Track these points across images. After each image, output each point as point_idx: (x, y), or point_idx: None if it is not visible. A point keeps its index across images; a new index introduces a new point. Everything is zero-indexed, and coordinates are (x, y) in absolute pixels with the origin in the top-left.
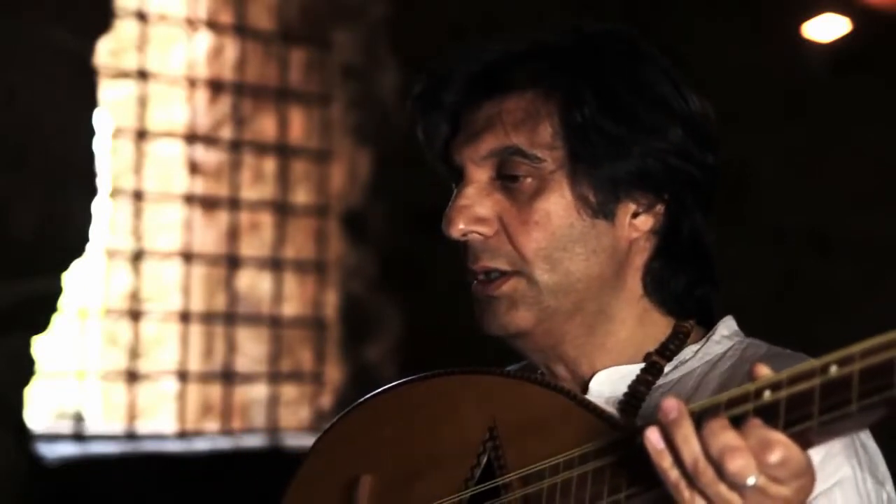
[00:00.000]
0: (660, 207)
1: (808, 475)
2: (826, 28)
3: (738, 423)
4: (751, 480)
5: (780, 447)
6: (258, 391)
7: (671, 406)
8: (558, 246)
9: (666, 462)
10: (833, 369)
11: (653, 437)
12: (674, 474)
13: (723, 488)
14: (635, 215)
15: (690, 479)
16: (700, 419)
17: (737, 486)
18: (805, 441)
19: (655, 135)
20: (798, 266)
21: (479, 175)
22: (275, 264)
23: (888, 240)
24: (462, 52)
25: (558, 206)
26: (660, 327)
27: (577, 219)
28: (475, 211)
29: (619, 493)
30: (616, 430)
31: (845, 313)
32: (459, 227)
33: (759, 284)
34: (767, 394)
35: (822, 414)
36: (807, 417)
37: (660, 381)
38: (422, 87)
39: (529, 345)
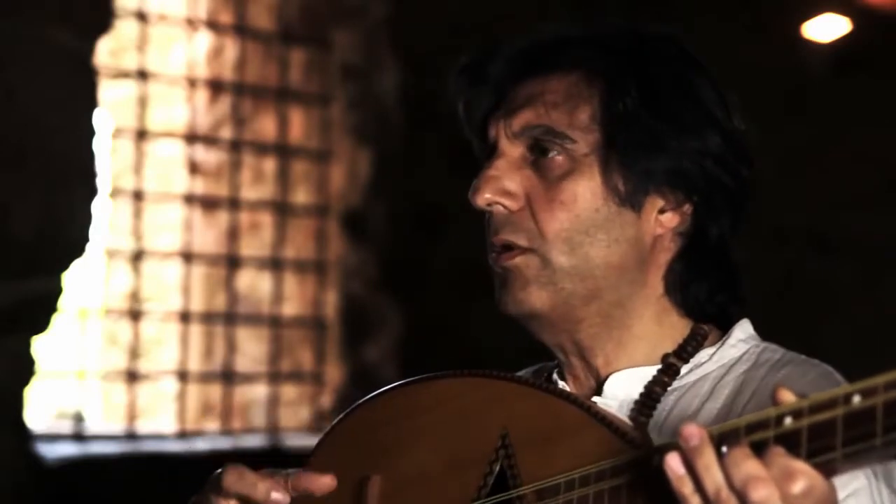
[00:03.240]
0: (688, 208)
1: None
2: (826, 28)
3: (758, 449)
4: None
5: (804, 477)
6: (258, 391)
7: (692, 433)
8: (580, 229)
9: (687, 489)
10: (856, 399)
11: (673, 462)
12: (695, 501)
13: None
14: (662, 211)
15: None
16: (720, 443)
17: None
18: (828, 470)
19: (695, 136)
20: (798, 266)
21: (512, 150)
22: (275, 264)
23: (888, 240)
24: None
25: (586, 189)
26: (678, 329)
27: (602, 205)
28: (503, 183)
29: None
30: (631, 446)
31: (845, 313)
32: (486, 197)
33: (759, 284)
34: (788, 421)
35: (845, 446)
36: (829, 448)
37: (675, 384)
38: (468, 60)
39: (546, 328)
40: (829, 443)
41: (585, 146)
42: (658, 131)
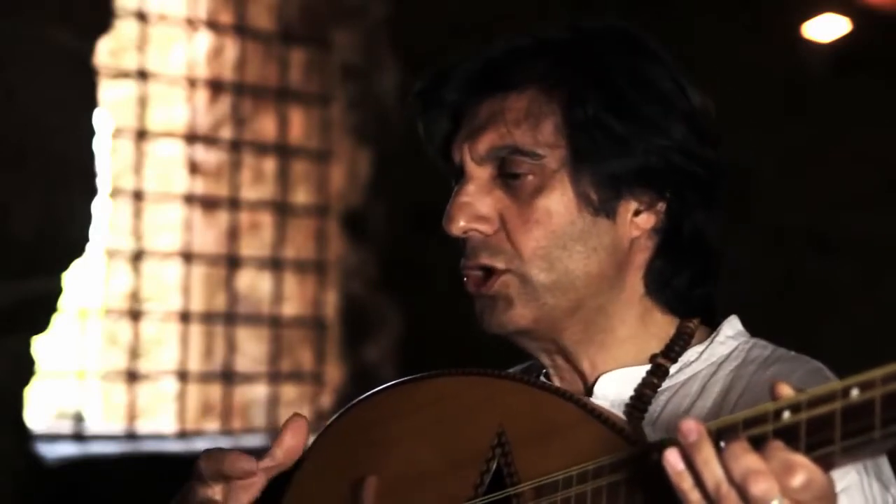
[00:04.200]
0: (661, 205)
1: (829, 497)
2: (826, 28)
3: (757, 443)
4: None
5: (803, 470)
6: (258, 391)
7: (690, 428)
8: (558, 244)
9: (686, 484)
10: (854, 393)
11: (672, 458)
12: (695, 496)
13: None
14: (637, 213)
15: (712, 501)
16: (718, 439)
17: None
18: (827, 464)
19: (658, 132)
20: (798, 266)
21: (480, 172)
22: (275, 264)
23: (888, 240)
24: (465, 51)
25: (559, 203)
26: (662, 327)
27: (577, 217)
28: (476, 208)
29: None
30: (629, 443)
31: (845, 313)
32: (460, 225)
33: (759, 284)
34: (787, 415)
35: (843, 439)
36: (828, 442)
37: (665, 384)
38: (423, 84)
39: (529, 341)
40: (828, 436)
41: (553, 161)
42: (622, 134)
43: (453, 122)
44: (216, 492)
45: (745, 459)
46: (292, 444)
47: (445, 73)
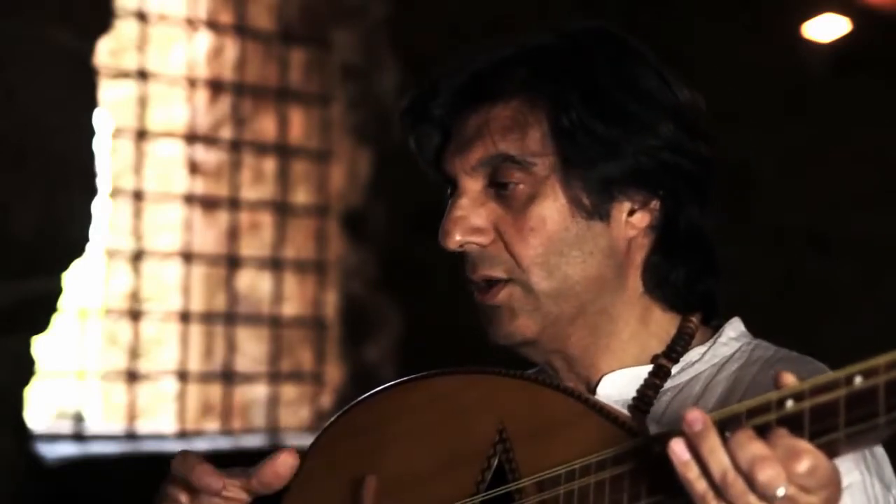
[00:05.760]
0: (655, 203)
1: (835, 484)
2: (826, 28)
3: (761, 432)
4: (780, 491)
5: (808, 456)
6: (258, 391)
7: (696, 418)
8: (555, 251)
9: (692, 473)
10: (857, 380)
11: (678, 448)
12: (701, 486)
13: (752, 499)
14: (631, 213)
15: (718, 490)
16: (722, 429)
17: (767, 496)
18: (832, 451)
19: (646, 132)
20: (798, 266)
21: (472, 185)
22: (275, 264)
23: (888, 240)
24: (450, 63)
25: (552, 210)
26: (662, 325)
27: (571, 222)
28: (471, 221)
29: (639, 501)
30: (632, 436)
31: (845, 313)
32: (456, 239)
33: (759, 284)
34: (790, 404)
35: (847, 426)
36: (832, 429)
37: (667, 385)
38: (411, 99)
39: (535, 351)
40: (832, 423)
41: (543, 168)
42: (609, 137)
43: (443, 135)
44: (183, 499)
45: (751, 447)
46: (271, 480)
47: (432, 87)
